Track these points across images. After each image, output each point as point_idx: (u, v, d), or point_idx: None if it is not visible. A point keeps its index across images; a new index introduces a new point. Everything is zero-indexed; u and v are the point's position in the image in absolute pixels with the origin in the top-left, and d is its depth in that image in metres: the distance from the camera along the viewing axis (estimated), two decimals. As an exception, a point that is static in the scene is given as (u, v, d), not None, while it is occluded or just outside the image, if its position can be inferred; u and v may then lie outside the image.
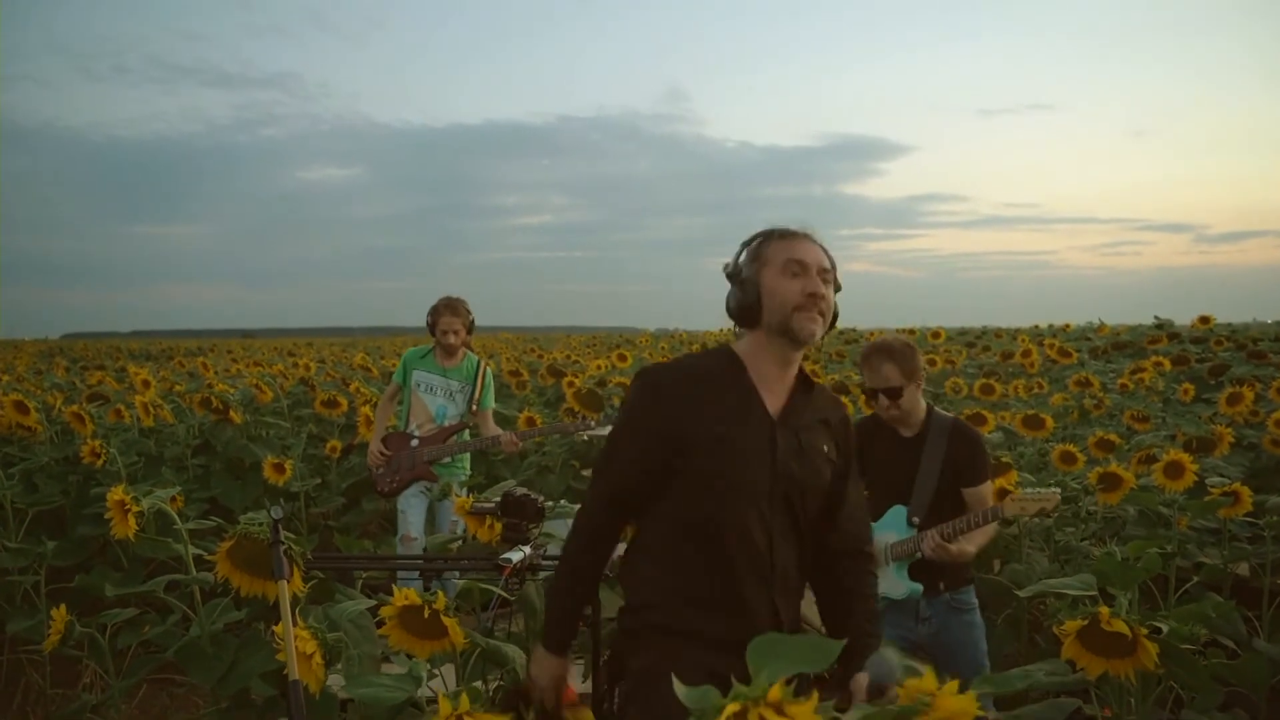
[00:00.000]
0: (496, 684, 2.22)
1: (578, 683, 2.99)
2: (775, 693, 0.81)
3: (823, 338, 1.73)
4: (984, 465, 2.79)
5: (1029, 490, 2.65)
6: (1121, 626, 1.75)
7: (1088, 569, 3.53)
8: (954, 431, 2.78)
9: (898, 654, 1.42)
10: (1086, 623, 1.81)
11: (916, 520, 2.73)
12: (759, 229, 1.78)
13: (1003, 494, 3.27)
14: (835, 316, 1.75)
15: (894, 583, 2.73)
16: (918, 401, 2.81)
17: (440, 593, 1.86)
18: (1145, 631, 1.77)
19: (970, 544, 2.68)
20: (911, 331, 15.89)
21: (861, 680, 1.46)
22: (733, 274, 1.75)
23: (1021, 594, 2.28)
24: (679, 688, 0.86)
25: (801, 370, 1.77)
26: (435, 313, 4.48)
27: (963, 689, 1.00)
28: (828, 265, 1.72)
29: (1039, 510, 2.65)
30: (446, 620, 1.80)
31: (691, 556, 1.68)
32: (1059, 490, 2.66)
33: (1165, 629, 1.89)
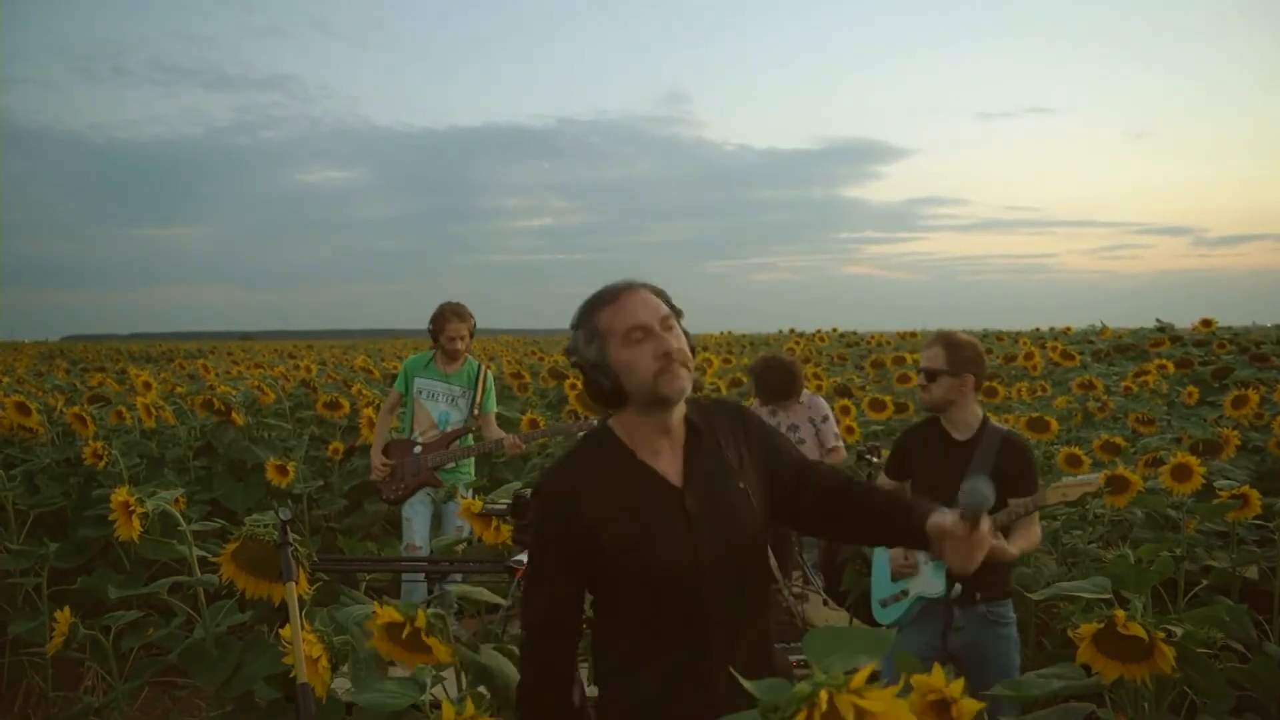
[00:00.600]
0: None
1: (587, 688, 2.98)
2: (859, 679, 0.82)
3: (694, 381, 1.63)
4: (1033, 478, 2.77)
5: (1070, 477, 2.64)
6: (1138, 630, 1.73)
7: (1096, 571, 3.53)
8: (1006, 441, 2.78)
9: (987, 482, 1.42)
10: (1102, 626, 1.78)
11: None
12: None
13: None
14: (693, 351, 1.65)
15: (930, 582, 2.72)
16: (965, 401, 2.80)
17: (420, 610, 1.81)
18: (1162, 635, 1.75)
19: (1012, 545, 2.65)
20: (913, 335, 15.89)
21: (950, 523, 1.49)
22: (579, 362, 1.65)
23: (1034, 597, 2.26)
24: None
25: (686, 417, 1.65)
26: (440, 318, 4.44)
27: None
28: (665, 310, 1.63)
29: (1082, 495, 2.62)
30: (429, 640, 1.76)
31: (629, 643, 1.62)
32: (1099, 475, 2.64)
33: (1179, 632, 1.88)
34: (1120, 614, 1.77)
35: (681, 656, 1.58)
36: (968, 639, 2.73)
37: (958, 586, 2.69)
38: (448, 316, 4.44)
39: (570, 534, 1.58)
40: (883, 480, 3.05)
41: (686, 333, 1.66)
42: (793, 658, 3.69)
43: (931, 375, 2.78)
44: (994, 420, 2.85)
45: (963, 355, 2.78)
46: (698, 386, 7.93)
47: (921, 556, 2.74)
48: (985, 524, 1.41)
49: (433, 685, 1.94)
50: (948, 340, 2.81)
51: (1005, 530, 2.66)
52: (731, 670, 1.52)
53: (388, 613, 1.79)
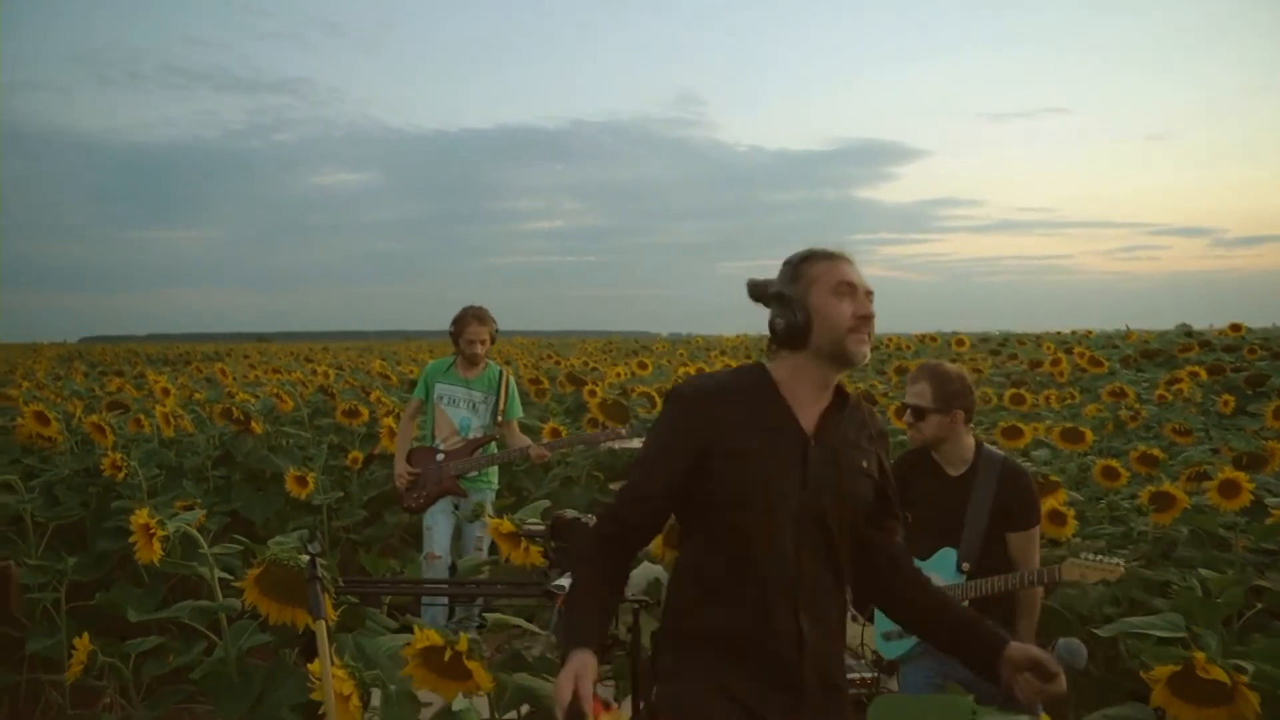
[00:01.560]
0: (529, 712, 2.13)
1: (623, 714, 2.89)
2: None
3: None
4: (1033, 508, 2.62)
5: (1091, 556, 2.50)
6: (1220, 674, 1.63)
7: (1141, 593, 3.41)
8: (1005, 472, 2.62)
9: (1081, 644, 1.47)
10: (1179, 669, 1.68)
11: (966, 567, 2.59)
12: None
13: (1054, 517, 3.14)
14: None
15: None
16: (955, 436, 2.65)
17: (463, 635, 1.77)
18: (1244, 679, 1.64)
19: (1020, 623, 2.57)
20: (934, 339, 15.72)
21: (1044, 656, 1.52)
22: (777, 294, 1.73)
23: (1102, 633, 2.15)
24: None
25: (839, 386, 1.76)
26: (461, 322, 4.38)
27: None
28: (871, 288, 1.73)
29: (1099, 579, 2.49)
30: (470, 664, 1.71)
31: (721, 567, 1.68)
32: (1121, 563, 2.49)
33: (1250, 669, 1.77)
34: (1199, 656, 1.66)
35: (746, 588, 1.64)
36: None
37: None
38: (468, 320, 4.38)
39: (691, 428, 1.67)
40: None
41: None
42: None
43: (920, 413, 2.62)
44: (990, 447, 2.70)
45: (951, 390, 2.62)
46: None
47: None
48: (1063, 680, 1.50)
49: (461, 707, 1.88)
50: (934, 374, 2.65)
51: (1011, 594, 2.55)
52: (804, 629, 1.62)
53: (427, 637, 1.73)
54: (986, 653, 1.60)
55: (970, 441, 2.68)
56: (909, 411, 2.66)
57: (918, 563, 2.71)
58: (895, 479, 2.85)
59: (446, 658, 1.73)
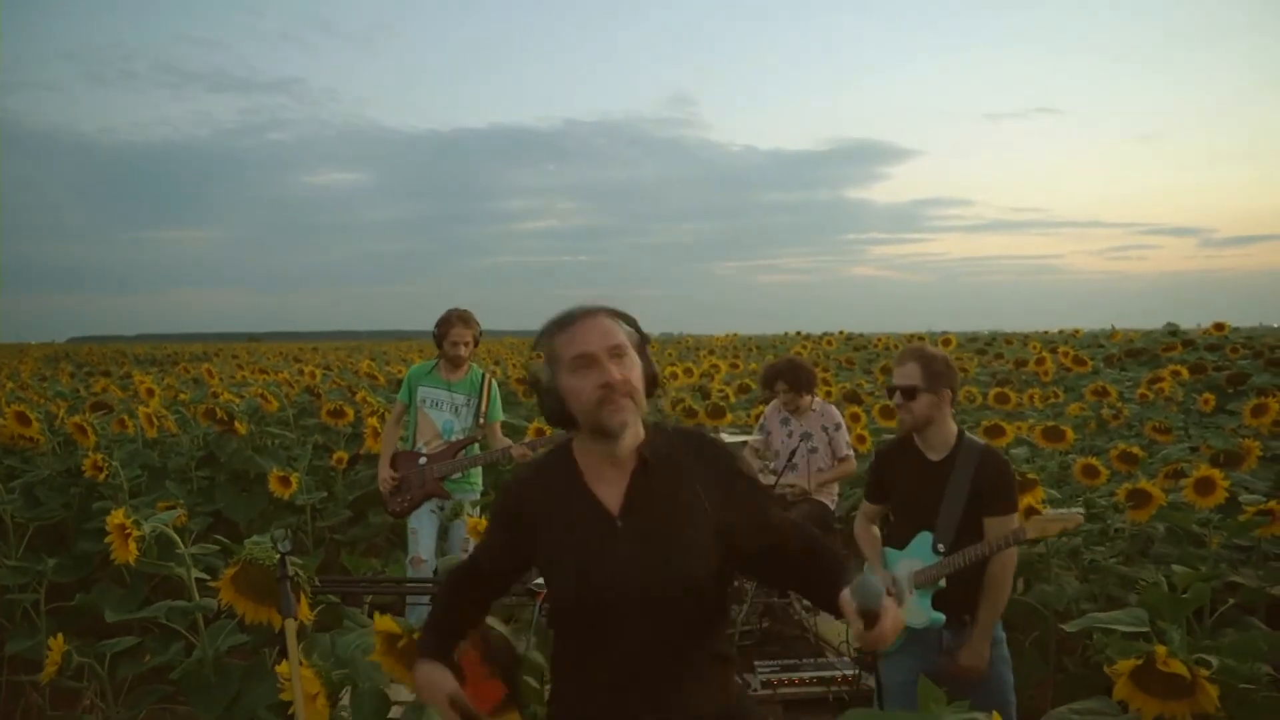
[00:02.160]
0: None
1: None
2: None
3: (647, 410, 1.60)
4: (1010, 495, 2.65)
5: (1051, 511, 2.55)
6: (1180, 668, 1.65)
7: (1117, 589, 3.45)
8: (984, 458, 2.65)
9: (879, 580, 1.34)
10: (1140, 662, 1.70)
11: (942, 548, 2.62)
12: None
13: (1030, 513, 3.17)
14: (654, 380, 1.61)
15: (915, 611, 2.62)
16: (942, 418, 2.69)
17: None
18: (1206, 673, 1.66)
19: (983, 605, 2.60)
20: (921, 338, 15.80)
21: (848, 602, 1.37)
22: (534, 382, 1.65)
23: (1068, 628, 2.18)
24: None
25: (640, 450, 1.60)
26: (445, 324, 4.38)
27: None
28: (618, 339, 1.57)
29: (1060, 530, 2.54)
30: None
31: (562, 651, 1.67)
32: (1082, 511, 2.55)
33: (1215, 662, 1.79)
34: (1161, 650, 1.69)
35: (603, 679, 1.58)
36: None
37: (940, 617, 2.61)
38: (452, 322, 4.37)
39: (510, 529, 1.66)
40: (863, 504, 2.96)
41: (649, 360, 1.63)
42: (808, 674, 3.62)
43: (910, 393, 2.64)
44: (971, 435, 2.74)
45: (937, 369, 2.66)
46: (705, 391, 7.86)
47: (906, 586, 2.65)
48: (889, 615, 1.34)
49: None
50: (921, 355, 2.68)
51: (984, 562, 2.58)
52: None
53: (384, 623, 1.75)
54: (830, 593, 1.49)
55: (953, 427, 2.72)
56: (898, 393, 2.68)
57: (896, 551, 2.75)
58: (877, 469, 2.88)
59: (401, 645, 1.76)
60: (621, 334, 1.58)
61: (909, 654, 2.65)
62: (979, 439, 2.73)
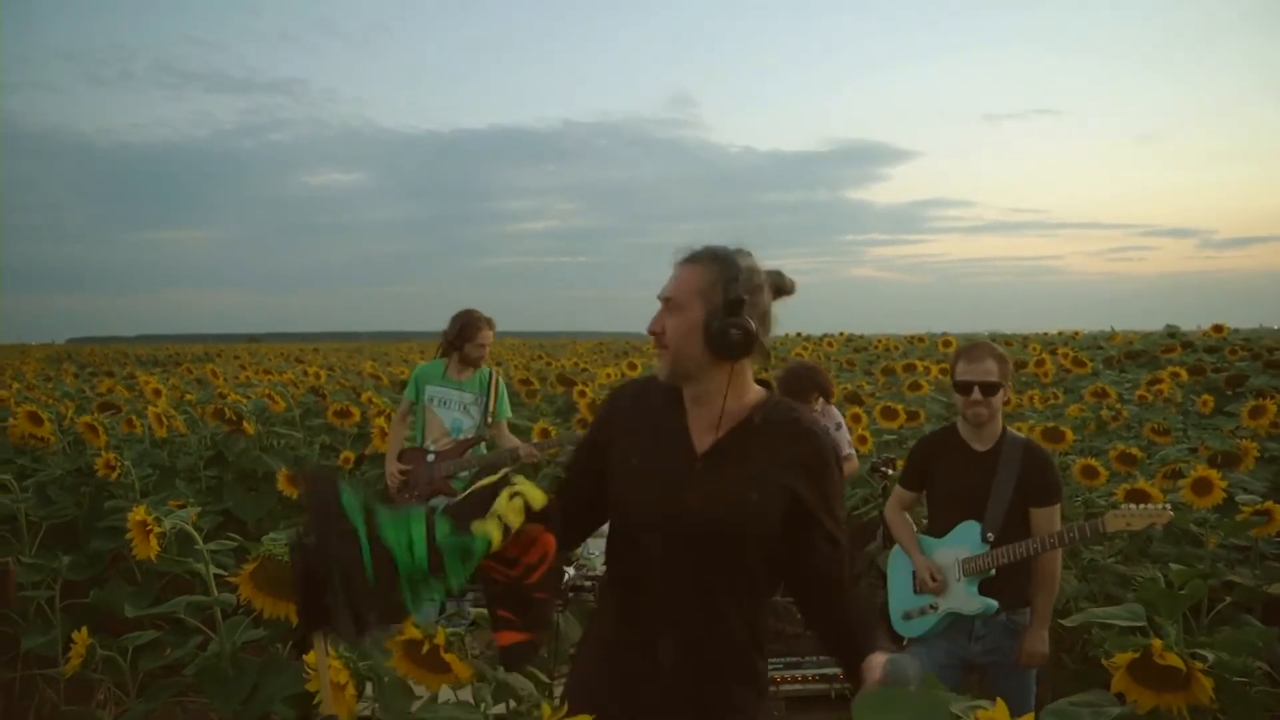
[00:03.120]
0: (514, 708, 2.19)
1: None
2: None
3: (680, 369, 1.60)
4: (1057, 487, 2.76)
5: (1134, 506, 2.59)
6: (1175, 660, 1.70)
7: (1116, 588, 3.50)
8: (1028, 451, 2.76)
9: (915, 665, 1.35)
10: (1137, 655, 1.76)
11: (991, 537, 2.70)
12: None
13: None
14: (721, 335, 1.54)
15: (965, 599, 2.70)
16: (1000, 412, 2.78)
17: (442, 628, 1.81)
18: (1201, 666, 1.72)
19: (1037, 598, 2.71)
20: (921, 339, 15.84)
21: (876, 663, 1.40)
22: None
23: (1067, 623, 2.23)
24: None
25: (762, 403, 1.63)
26: (472, 325, 4.39)
27: (1015, 714, 1.01)
28: (674, 291, 1.59)
29: (1147, 525, 2.58)
30: (447, 656, 1.76)
31: (610, 572, 1.73)
32: (1168, 505, 2.57)
33: (1210, 657, 1.85)
34: (1157, 643, 1.74)
35: (639, 601, 1.63)
36: (988, 647, 2.72)
37: (993, 603, 2.68)
38: (480, 324, 4.40)
39: (600, 429, 1.72)
40: (897, 491, 3.02)
41: (724, 314, 1.54)
42: (810, 671, 3.67)
43: (992, 389, 2.72)
44: (1012, 429, 2.82)
45: (1007, 366, 2.77)
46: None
47: (955, 573, 2.72)
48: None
49: (444, 698, 1.93)
50: (995, 352, 2.76)
51: (1038, 553, 2.64)
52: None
53: (408, 629, 1.78)
54: (854, 660, 1.51)
55: (1000, 420, 2.81)
56: (977, 389, 2.71)
57: (935, 539, 2.81)
58: (919, 457, 2.94)
59: (425, 650, 1.78)
60: (688, 285, 1.57)
61: (942, 640, 2.73)
62: (1020, 433, 2.81)
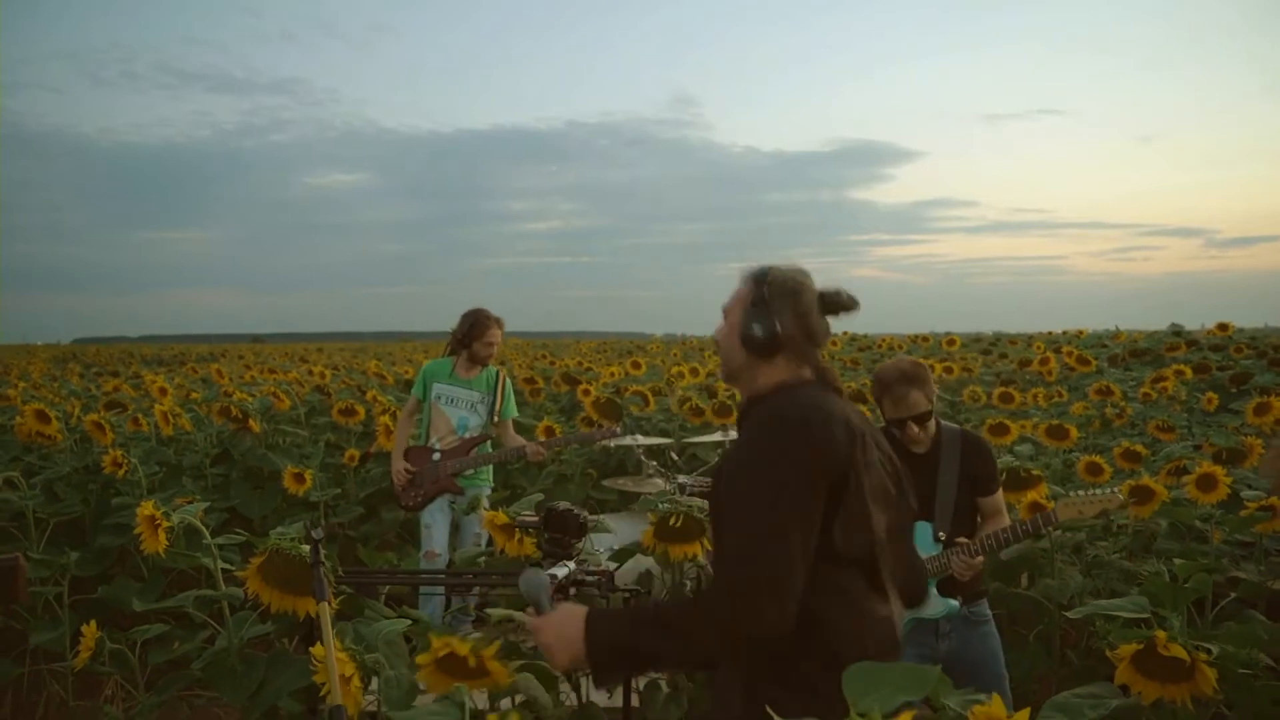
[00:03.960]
0: (525, 700, 2.20)
1: (603, 697, 2.96)
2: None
3: (726, 370, 1.74)
4: (996, 473, 2.81)
5: (1082, 492, 2.59)
6: (1180, 651, 1.71)
7: (1121, 584, 3.50)
8: (965, 442, 2.76)
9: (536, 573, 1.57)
10: (1142, 647, 1.76)
11: (943, 536, 2.70)
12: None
13: (1035, 507, 3.23)
14: (749, 337, 1.66)
15: (927, 602, 2.69)
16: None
17: (471, 638, 1.77)
18: (1205, 657, 1.72)
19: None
20: (925, 339, 15.82)
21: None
22: None
23: (1071, 615, 2.23)
24: None
25: (763, 397, 1.69)
26: (481, 324, 4.41)
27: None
28: (732, 299, 1.75)
29: (1099, 513, 2.57)
30: (493, 666, 1.74)
31: (871, 586, 1.67)
32: (1119, 490, 2.58)
33: (1216, 650, 1.85)
34: (1161, 635, 1.74)
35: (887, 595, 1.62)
36: (955, 644, 2.72)
37: (955, 604, 2.67)
38: (489, 323, 4.41)
39: (829, 472, 1.52)
40: None
41: (748, 317, 1.67)
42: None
43: (925, 418, 2.68)
44: (945, 422, 2.81)
45: (930, 384, 2.71)
46: (711, 390, 7.93)
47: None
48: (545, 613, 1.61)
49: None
50: (913, 379, 2.66)
51: (1000, 548, 2.65)
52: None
53: (448, 644, 1.70)
54: None
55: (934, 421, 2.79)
56: (911, 424, 2.67)
57: None
58: None
59: (472, 664, 1.72)
60: (735, 296, 1.73)
61: (910, 644, 2.72)
62: (953, 424, 2.81)
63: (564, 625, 1.59)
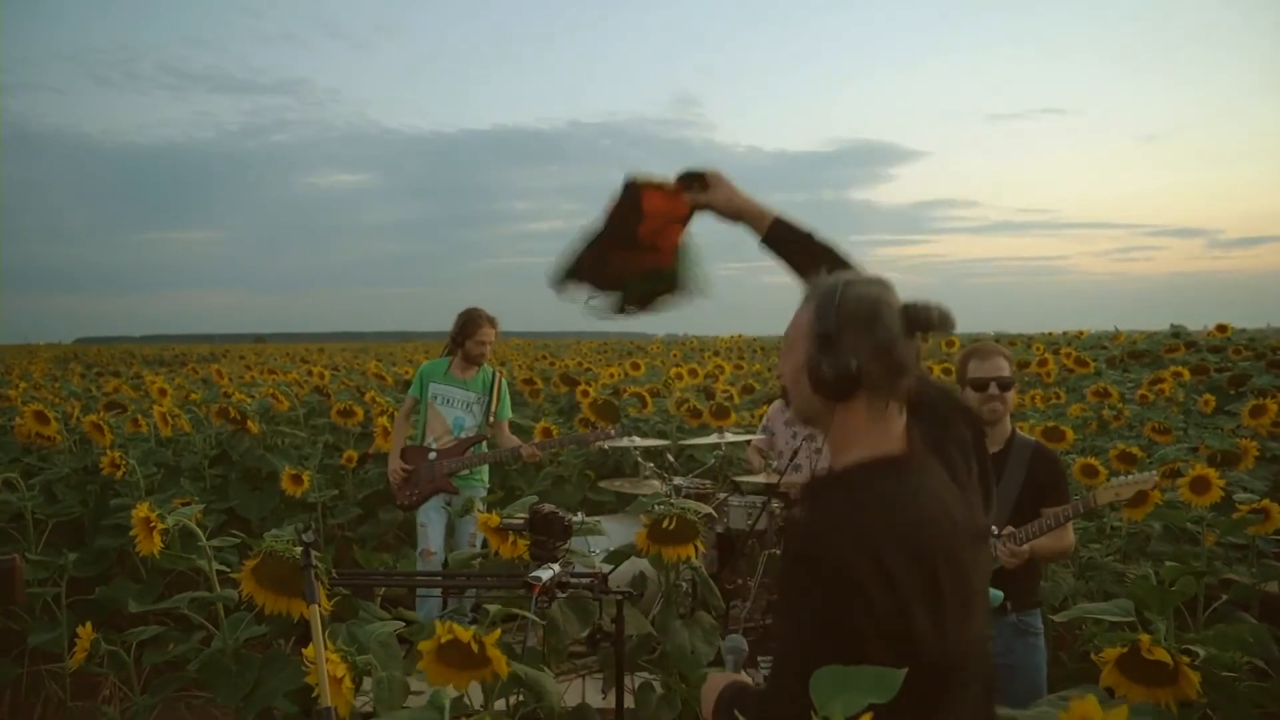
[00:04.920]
0: (519, 701, 2.22)
1: (598, 699, 2.98)
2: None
3: (801, 414, 1.49)
4: (1065, 487, 2.80)
5: (1120, 477, 2.62)
6: (1163, 655, 1.72)
7: (1114, 586, 3.51)
8: (1036, 453, 2.78)
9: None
10: (1126, 650, 1.77)
11: (995, 531, 2.72)
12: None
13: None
14: (813, 373, 1.37)
15: None
16: (1009, 411, 2.81)
17: (471, 628, 1.82)
18: (1187, 660, 1.74)
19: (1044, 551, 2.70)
20: (925, 340, 15.81)
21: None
22: None
23: (1057, 619, 2.25)
24: None
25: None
26: (473, 324, 4.44)
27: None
28: (786, 333, 1.47)
29: (1135, 495, 2.59)
30: (493, 653, 1.77)
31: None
32: (1154, 475, 2.61)
33: (1201, 653, 1.86)
34: (1145, 638, 1.76)
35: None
36: (999, 649, 2.73)
37: (999, 594, 2.70)
38: (481, 322, 4.44)
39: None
40: None
41: (812, 349, 1.38)
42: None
43: (1006, 384, 2.75)
44: (1021, 431, 2.84)
45: (1013, 365, 2.80)
46: (709, 392, 7.94)
47: None
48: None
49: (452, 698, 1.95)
50: (1003, 351, 2.79)
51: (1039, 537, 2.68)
52: None
53: (451, 631, 1.75)
54: None
55: (1010, 422, 2.83)
56: (994, 384, 2.73)
57: None
58: None
59: (475, 650, 1.77)
60: (796, 324, 1.44)
61: None
62: (1029, 435, 2.83)
63: (709, 690, 1.50)
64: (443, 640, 1.75)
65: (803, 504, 1.40)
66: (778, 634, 1.37)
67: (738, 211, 1.79)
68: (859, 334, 1.35)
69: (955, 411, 1.52)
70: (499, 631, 1.78)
